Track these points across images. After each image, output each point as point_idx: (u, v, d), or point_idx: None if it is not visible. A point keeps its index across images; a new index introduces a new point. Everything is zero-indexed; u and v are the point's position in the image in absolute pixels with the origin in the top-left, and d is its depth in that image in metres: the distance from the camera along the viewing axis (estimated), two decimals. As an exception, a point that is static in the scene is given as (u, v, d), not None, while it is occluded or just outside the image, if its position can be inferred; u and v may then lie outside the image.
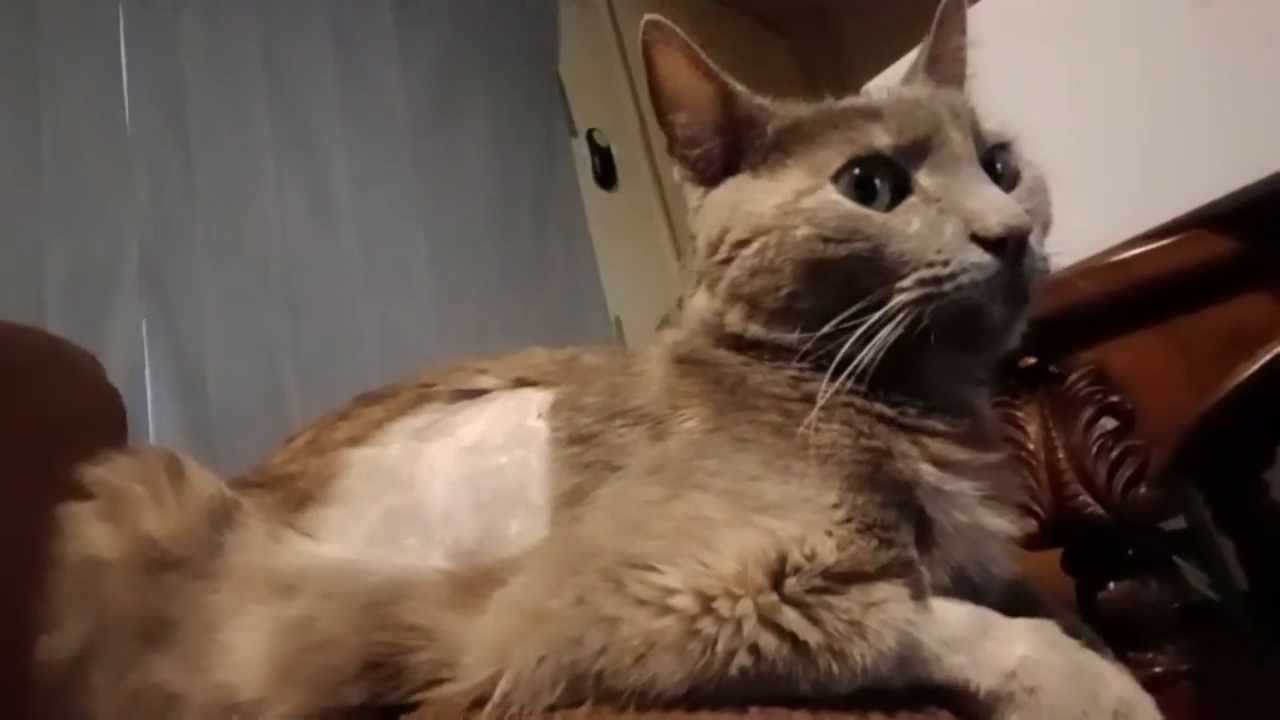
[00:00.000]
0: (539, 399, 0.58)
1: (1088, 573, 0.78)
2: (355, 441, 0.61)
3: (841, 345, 0.49)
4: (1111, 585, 0.77)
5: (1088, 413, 0.76)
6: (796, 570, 0.43)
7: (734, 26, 2.99)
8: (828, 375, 0.49)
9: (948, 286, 0.48)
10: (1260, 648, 1.38)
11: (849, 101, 0.58)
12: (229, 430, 1.45)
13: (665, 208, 2.45)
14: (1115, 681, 0.45)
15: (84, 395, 1.08)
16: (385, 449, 0.59)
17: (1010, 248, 0.48)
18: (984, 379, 0.57)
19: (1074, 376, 0.77)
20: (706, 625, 0.41)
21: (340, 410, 0.66)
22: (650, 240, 2.42)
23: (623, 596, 0.43)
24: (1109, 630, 0.75)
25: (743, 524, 0.45)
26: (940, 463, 0.50)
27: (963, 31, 0.63)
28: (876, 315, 0.48)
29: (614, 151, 2.41)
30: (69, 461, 0.61)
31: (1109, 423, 0.76)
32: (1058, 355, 0.77)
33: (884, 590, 0.44)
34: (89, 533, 0.59)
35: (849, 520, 0.45)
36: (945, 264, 0.48)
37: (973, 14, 0.84)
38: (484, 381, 0.62)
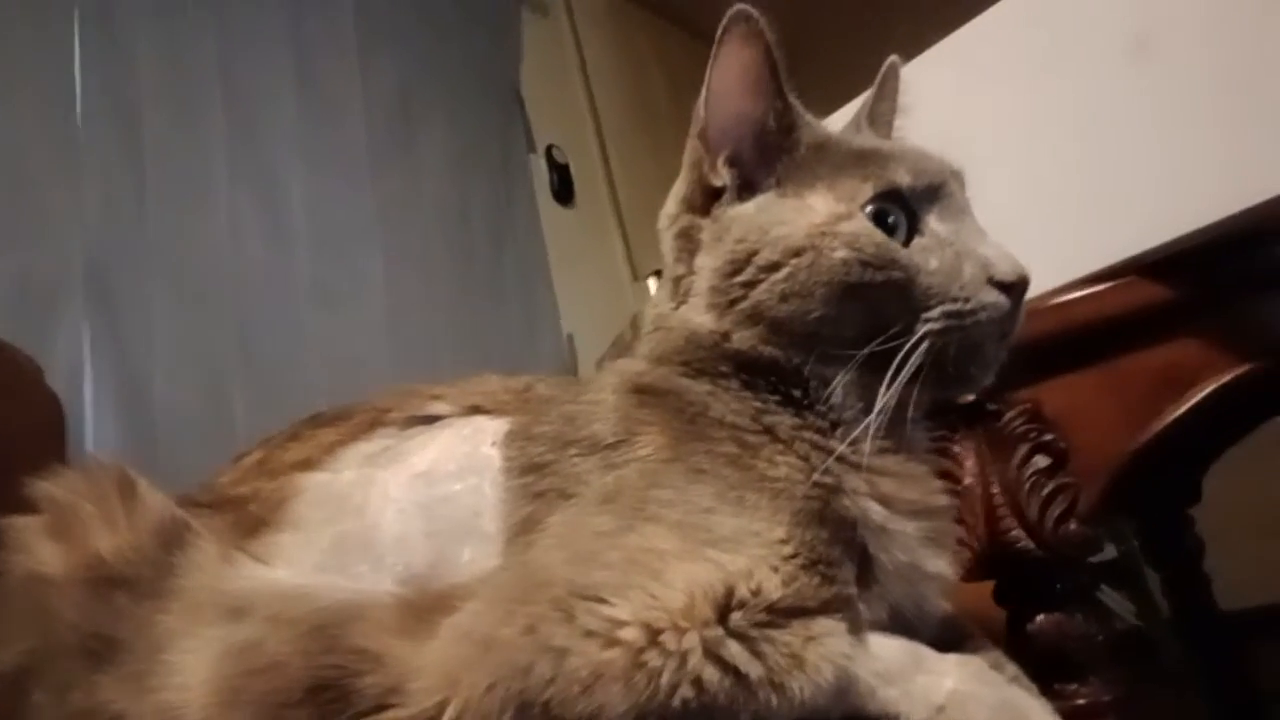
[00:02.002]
0: (493, 427, 0.59)
1: (1018, 605, 0.81)
2: (307, 465, 0.61)
3: (861, 378, 0.52)
4: (1040, 617, 0.80)
5: (1022, 449, 0.79)
6: (742, 605, 0.45)
7: (697, 52, 3.02)
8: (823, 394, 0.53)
9: (969, 321, 0.52)
10: (1181, 677, 1.43)
11: (863, 139, 0.60)
12: (172, 444, 1.43)
13: (621, 225, 2.47)
14: (1039, 716, 0.47)
15: (24, 401, 1.07)
16: (337, 475, 0.60)
17: (1018, 292, 0.53)
18: (928, 417, 0.60)
19: (1010, 414, 0.80)
20: (653, 658, 0.43)
21: (291, 431, 0.66)
22: (605, 257, 2.44)
23: (572, 627, 0.44)
24: (1037, 661, 0.78)
25: (693, 557, 0.46)
26: (887, 502, 0.52)
27: (895, 97, 0.67)
28: (906, 344, 0.51)
29: (572, 168, 2.42)
30: (6, 468, 0.60)
31: (1042, 460, 0.79)
32: (995, 393, 0.80)
33: (823, 625, 0.45)
34: (36, 549, 0.58)
35: (795, 556, 0.47)
36: (967, 300, 0.52)
37: (927, 57, 0.88)
38: (437, 408, 0.62)
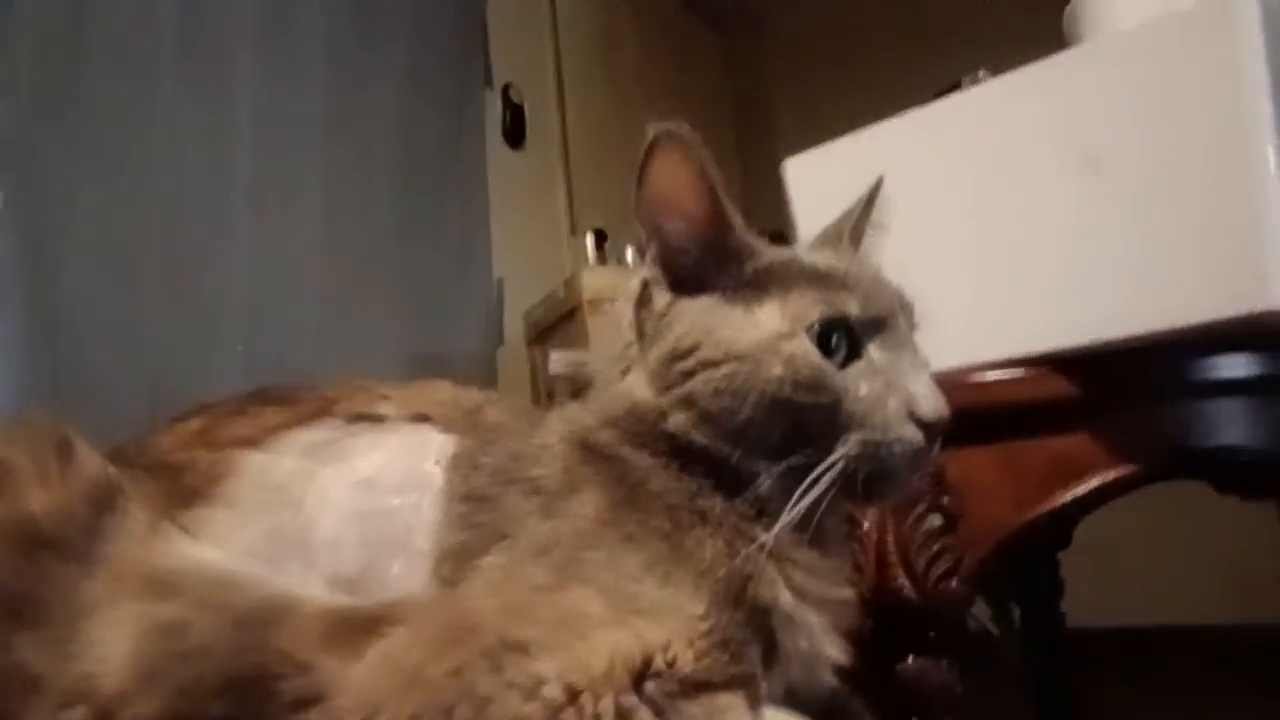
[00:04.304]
0: (438, 442, 0.60)
1: (891, 646, 0.88)
2: (248, 443, 0.62)
3: (782, 478, 0.55)
4: (910, 659, 0.87)
5: (919, 508, 0.85)
6: (657, 674, 0.48)
7: (674, 20, 3.00)
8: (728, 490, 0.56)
9: (883, 452, 0.55)
10: (1020, 680, 1.57)
11: (819, 258, 0.62)
12: (79, 333, 1.39)
13: (568, 176, 2.46)
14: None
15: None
16: (279, 459, 0.61)
17: (936, 431, 0.56)
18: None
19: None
20: (569, 716, 0.46)
21: (236, 404, 0.66)
22: (546, 206, 2.43)
23: (498, 677, 0.47)
24: (900, 700, 0.86)
25: (617, 624, 0.49)
26: (798, 592, 0.56)
27: (873, 213, 0.69)
28: (822, 463, 0.54)
29: (526, 110, 2.40)
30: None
31: (935, 519, 0.85)
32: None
33: (727, 700, 0.50)
34: None
35: (710, 634, 0.51)
36: (886, 431, 0.55)
37: (889, 127, 0.91)
38: (385, 408, 0.64)
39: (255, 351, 1.59)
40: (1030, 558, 1.50)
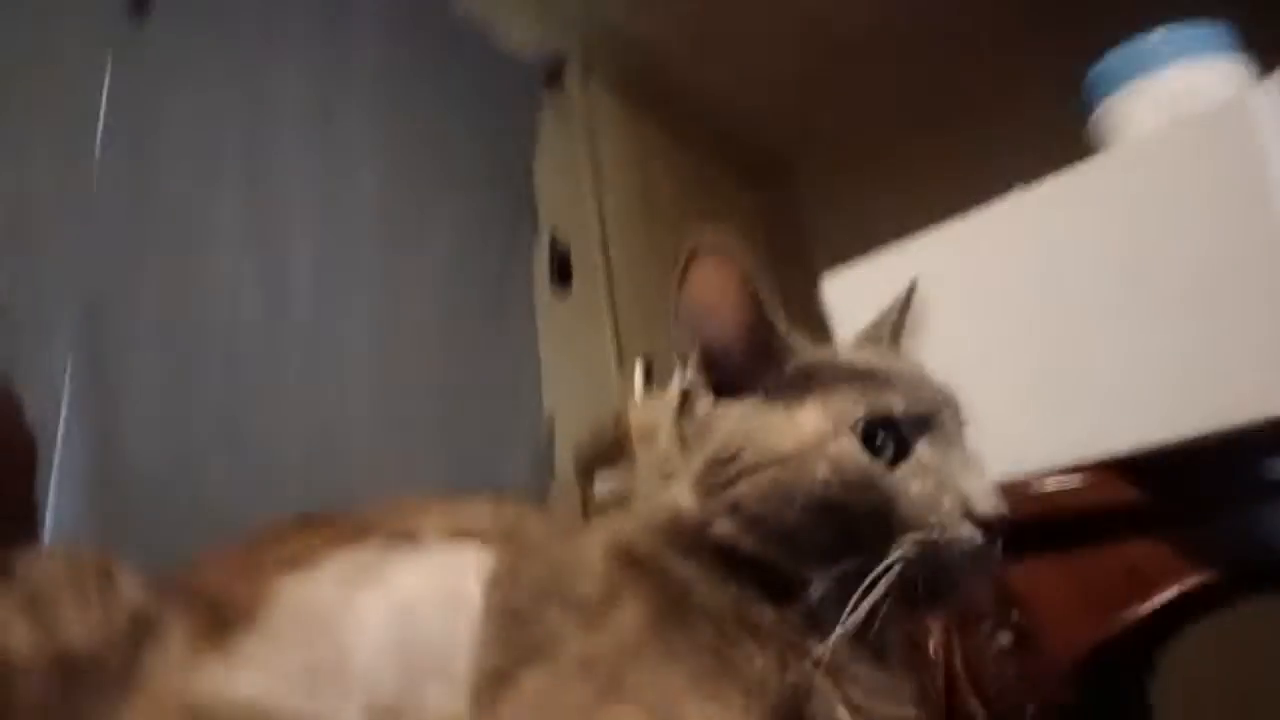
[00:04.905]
0: (476, 562, 0.59)
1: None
2: (288, 566, 0.62)
3: (836, 584, 0.52)
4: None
5: (987, 625, 0.80)
6: None
7: (706, 170, 3.12)
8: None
9: (942, 552, 0.52)
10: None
11: (860, 357, 0.61)
12: (140, 497, 1.41)
13: (614, 313, 2.50)
14: None
15: (3, 432, 1.07)
16: (317, 586, 0.60)
17: (995, 529, 0.53)
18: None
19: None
20: None
21: (276, 532, 0.66)
22: (594, 343, 2.46)
23: None
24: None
25: None
26: (857, 712, 0.52)
27: (908, 316, 0.68)
28: (878, 566, 0.52)
29: (572, 254, 2.46)
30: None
31: (1005, 638, 0.80)
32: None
33: None
34: (6, 623, 0.58)
35: None
36: (943, 531, 0.52)
37: (927, 239, 0.92)
38: (424, 525, 0.63)
39: (310, 491, 1.60)
40: (1117, 686, 1.41)
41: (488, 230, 2.23)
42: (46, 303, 1.40)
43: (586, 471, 2.06)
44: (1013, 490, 0.76)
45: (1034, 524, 0.78)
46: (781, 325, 0.59)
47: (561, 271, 2.44)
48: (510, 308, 2.24)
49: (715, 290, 0.58)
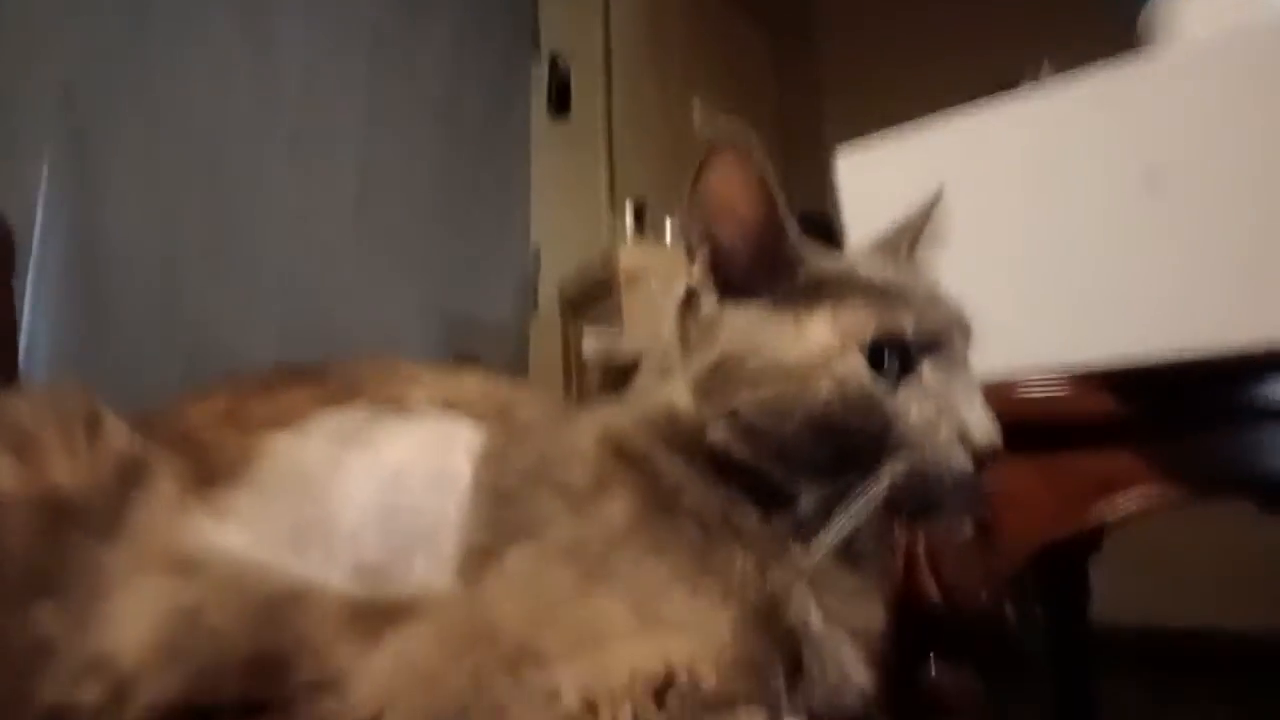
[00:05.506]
0: (465, 438, 0.59)
1: (916, 651, 0.86)
2: (277, 424, 0.62)
3: (826, 494, 0.53)
4: (933, 665, 0.86)
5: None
6: (679, 689, 0.47)
7: (721, 11, 2.96)
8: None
9: (931, 479, 0.53)
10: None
11: (875, 270, 0.59)
12: (119, 285, 1.41)
13: (610, 148, 2.44)
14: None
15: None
16: (306, 444, 0.60)
17: (985, 460, 0.54)
18: None
19: (950, 483, 0.83)
20: None
21: (263, 381, 0.66)
22: (587, 177, 2.41)
23: (516, 687, 0.46)
24: (921, 703, 0.85)
25: (640, 635, 0.48)
26: (830, 616, 0.54)
27: (929, 227, 0.66)
28: (868, 481, 0.52)
29: (573, 79, 2.37)
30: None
31: (968, 528, 0.83)
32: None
33: (747, 715, 0.48)
34: None
35: (736, 650, 0.50)
36: (935, 458, 0.53)
37: (945, 125, 0.88)
38: (415, 394, 0.63)
39: (291, 309, 1.59)
40: (1061, 562, 1.48)
41: (485, 46, 2.13)
42: (27, 101, 1.35)
43: (573, 310, 2.06)
44: (997, 392, 0.78)
45: (1015, 425, 0.79)
46: (794, 231, 0.58)
47: (560, 97, 2.36)
48: (504, 131, 2.18)
49: (732, 188, 0.56)
